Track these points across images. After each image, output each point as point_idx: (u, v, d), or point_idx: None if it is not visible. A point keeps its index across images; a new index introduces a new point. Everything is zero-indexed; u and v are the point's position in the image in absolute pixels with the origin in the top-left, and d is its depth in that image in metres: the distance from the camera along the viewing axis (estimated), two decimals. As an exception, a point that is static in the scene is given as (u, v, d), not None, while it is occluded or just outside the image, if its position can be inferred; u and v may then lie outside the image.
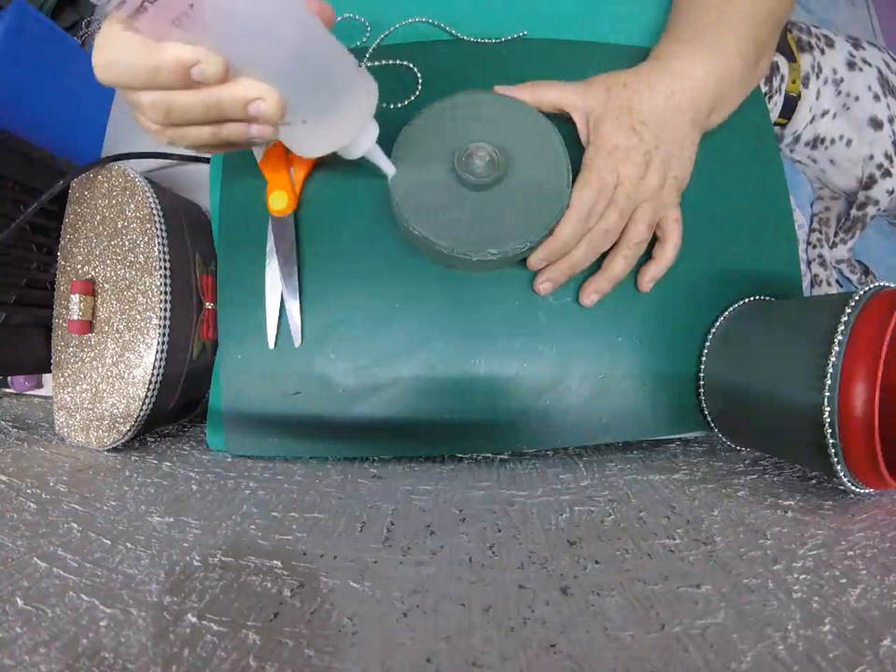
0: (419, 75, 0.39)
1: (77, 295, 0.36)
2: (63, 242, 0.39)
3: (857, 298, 0.26)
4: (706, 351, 0.36)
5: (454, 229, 0.32)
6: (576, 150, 0.34)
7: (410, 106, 0.38)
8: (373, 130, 0.29)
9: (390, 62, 0.39)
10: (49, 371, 0.40)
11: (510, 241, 0.32)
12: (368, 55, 0.40)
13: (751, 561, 0.22)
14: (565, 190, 0.32)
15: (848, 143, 0.79)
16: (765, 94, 0.72)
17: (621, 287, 0.36)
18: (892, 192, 0.79)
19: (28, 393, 0.52)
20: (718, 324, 0.36)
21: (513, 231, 0.32)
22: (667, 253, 0.36)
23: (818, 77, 0.75)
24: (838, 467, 0.26)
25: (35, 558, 0.24)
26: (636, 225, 0.33)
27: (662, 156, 0.33)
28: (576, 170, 0.33)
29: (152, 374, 0.36)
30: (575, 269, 0.34)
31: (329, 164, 0.37)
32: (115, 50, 0.21)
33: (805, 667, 0.17)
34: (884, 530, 0.24)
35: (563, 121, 0.34)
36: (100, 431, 0.37)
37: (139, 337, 0.36)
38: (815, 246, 0.85)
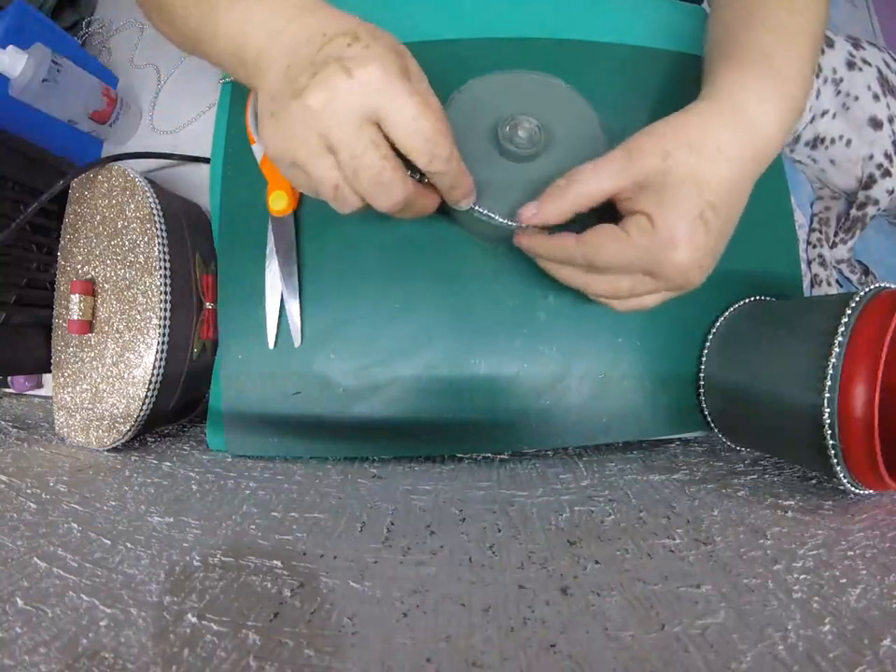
0: None
1: (76, 295, 0.36)
2: (63, 242, 0.39)
3: (857, 299, 0.26)
4: (706, 351, 0.36)
5: (495, 198, 0.31)
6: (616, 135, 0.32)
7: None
8: None
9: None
10: (49, 371, 0.40)
11: None
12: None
13: (751, 561, 0.22)
14: None
15: (848, 143, 0.79)
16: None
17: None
18: (892, 192, 0.79)
19: (28, 393, 0.52)
20: (718, 324, 0.36)
21: None
22: (591, 285, 0.30)
23: (817, 76, 0.75)
24: (838, 468, 0.26)
25: (35, 558, 0.24)
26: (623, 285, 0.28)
27: (718, 251, 0.27)
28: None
29: (152, 374, 0.36)
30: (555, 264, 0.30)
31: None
32: None
33: (805, 667, 0.17)
34: (884, 530, 0.24)
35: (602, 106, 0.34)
36: (100, 431, 0.37)
37: (139, 337, 0.36)
38: (815, 246, 0.85)
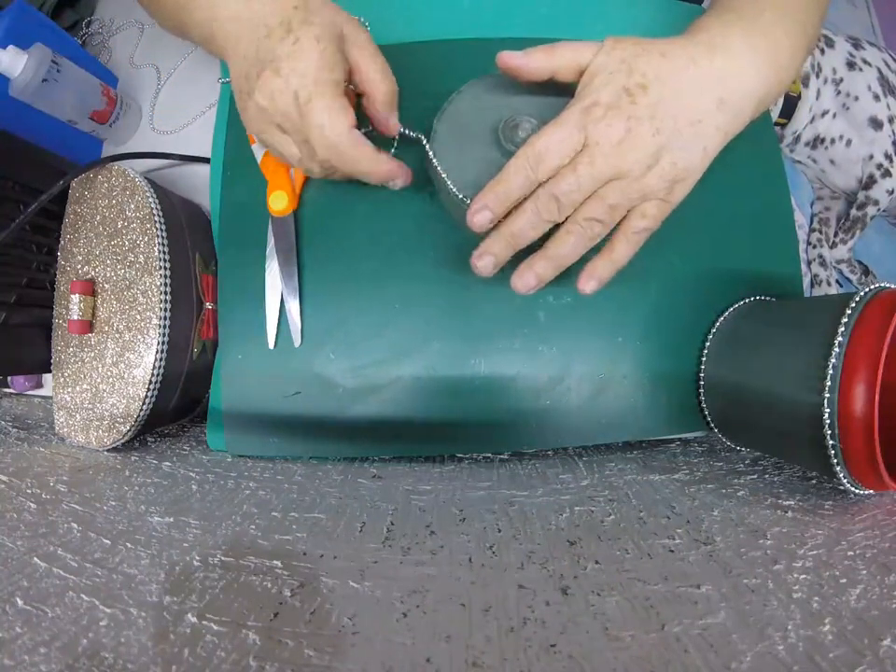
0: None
1: (76, 295, 0.36)
2: (63, 242, 0.39)
3: (857, 299, 0.26)
4: (706, 351, 0.36)
5: None
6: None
7: (406, 106, 0.38)
8: None
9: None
10: (49, 371, 0.40)
11: None
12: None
13: (751, 561, 0.22)
14: None
15: (848, 143, 0.79)
16: (765, 94, 0.71)
17: (620, 287, 0.36)
18: (892, 192, 0.79)
19: (28, 393, 0.52)
20: (718, 324, 0.36)
21: None
22: (615, 249, 0.30)
23: (818, 76, 0.75)
24: (837, 468, 0.26)
25: (35, 558, 0.24)
26: (595, 200, 0.28)
27: (658, 130, 0.27)
28: None
29: (152, 374, 0.36)
30: (518, 240, 0.29)
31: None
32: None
33: (805, 667, 0.16)
34: (884, 530, 0.24)
35: None
36: (100, 431, 0.37)
37: (139, 337, 0.36)
38: (815, 246, 0.85)
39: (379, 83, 0.30)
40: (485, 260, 0.30)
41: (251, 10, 0.28)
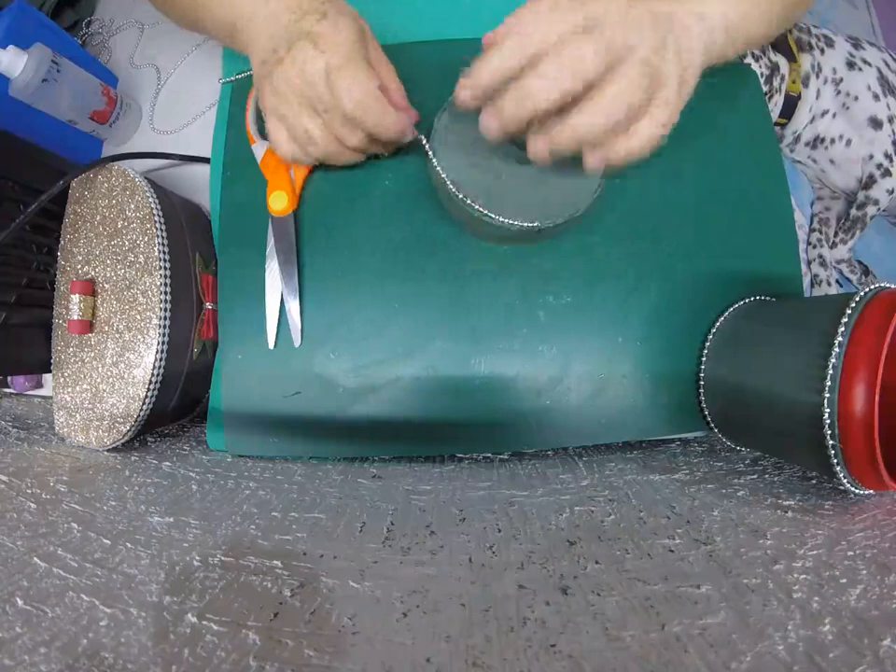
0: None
1: (77, 295, 0.36)
2: (62, 242, 0.39)
3: (857, 299, 0.26)
4: (706, 351, 0.36)
5: (496, 198, 0.32)
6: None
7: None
8: None
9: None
10: (49, 371, 0.40)
11: (549, 213, 0.32)
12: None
13: (751, 561, 0.22)
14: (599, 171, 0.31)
15: (848, 143, 0.79)
16: (766, 94, 0.72)
17: (620, 287, 0.36)
18: (892, 192, 0.79)
19: (28, 393, 0.52)
20: (718, 324, 0.36)
21: (552, 204, 0.32)
22: (639, 130, 0.28)
23: (817, 76, 0.75)
24: (837, 468, 0.26)
25: (35, 558, 0.24)
26: (623, 68, 0.26)
27: (655, 20, 0.27)
28: None
29: (152, 374, 0.36)
30: (531, 101, 0.26)
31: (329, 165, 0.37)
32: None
33: (805, 667, 0.17)
34: (884, 530, 0.24)
35: None
36: (100, 431, 0.37)
37: (139, 337, 0.36)
38: (815, 246, 0.85)
39: (393, 80, 0.34)
40: (491, 121, 0.28)
41: (280, 2, 0.31)
